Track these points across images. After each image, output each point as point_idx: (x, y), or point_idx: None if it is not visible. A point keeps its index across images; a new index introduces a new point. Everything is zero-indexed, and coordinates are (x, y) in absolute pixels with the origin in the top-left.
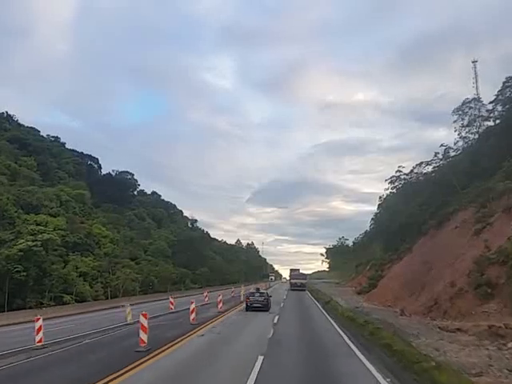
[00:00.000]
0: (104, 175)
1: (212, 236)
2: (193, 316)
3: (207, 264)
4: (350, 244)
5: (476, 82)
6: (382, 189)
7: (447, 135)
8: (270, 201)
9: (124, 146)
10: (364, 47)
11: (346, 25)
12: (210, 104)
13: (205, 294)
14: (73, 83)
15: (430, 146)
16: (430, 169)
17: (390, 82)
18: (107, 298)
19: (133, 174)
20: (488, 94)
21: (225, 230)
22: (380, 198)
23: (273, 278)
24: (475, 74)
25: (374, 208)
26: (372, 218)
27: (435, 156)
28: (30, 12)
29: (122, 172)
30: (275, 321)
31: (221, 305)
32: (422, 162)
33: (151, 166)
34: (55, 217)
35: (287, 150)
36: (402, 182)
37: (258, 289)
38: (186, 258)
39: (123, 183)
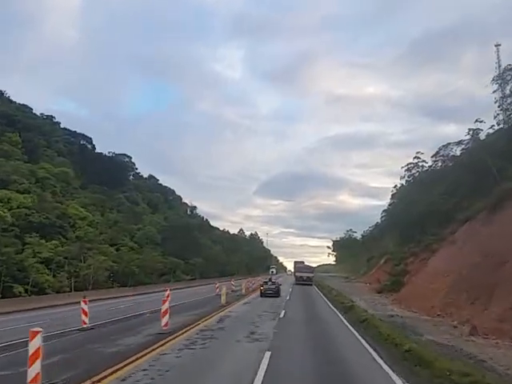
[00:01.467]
0: (96, 155)
1: (218, 227)
2: None
3: (203, 254)
4: (358, 237)
5: (499, 66)
6: (390, 183)
7: (457, 131)
8: (277, 193)
9: (132, 135)
10: (374, 40)
11: (356, 17)
12: (218, 95)
13: (167, 294)
14: (81, 72)
15: (440, 141)
16: (457, 151)
17: (401, 76)
18: (71, 291)
19: (130, 157)
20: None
21: (231, 221)
22: (395, 186)
23: (274, 270)
24: (498, 57)
25: (382, 202)
26: (383, 210)
27: (469, 133)
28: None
29: (118, 154)
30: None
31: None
32: (449, 143)
33: (158, 156)
34: (23, 193)
35: (295, 143)
36: (420, 170)
37: (270, 279)
38: (179, 247)
39: (117, 165)
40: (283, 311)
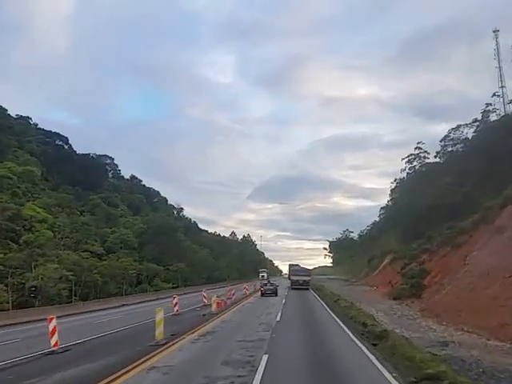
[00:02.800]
0: (70, 155)
1: (207, 230)
2: None
3: (187, 258)
4: (355, 237)
5: (498, 53)
6: (384, 184)
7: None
8: (271, 197)
9: (123, 141)
10: (365, 41)
11: (346, 19)
12: (210, 100)
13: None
14: (72, 80)
15: (431, 141)
16: (469, 134)
17: (392, 77)
18: (14, 308)
19: (112, 159)
20: (488, 85)
21: (226, 226)
22: (395, 180)
23: (265, 275)
24: (497, 44)
25: (376, 203)
26: (382, 208)
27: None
28: (28, 7)
29: (100, 156)
30: None
31: None
32: (459, 125)
33: (151, 163)
34: None
35: (288, 146)
36: (422, 162)
37: (269, 281)
38: (159, 251)
39: (94, 166)
40: (265, 359)
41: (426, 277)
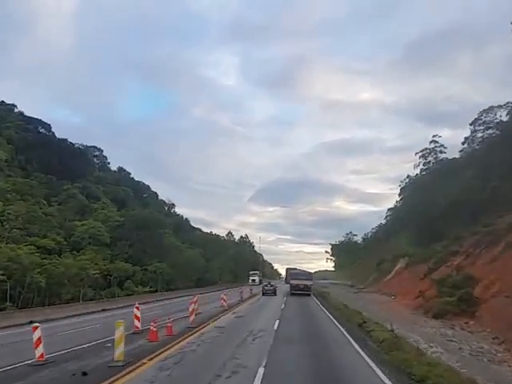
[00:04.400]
0: (48, 142)
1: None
2: None
3: (171, 258)
4: (359, 241)
5: None
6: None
7: (452, 136)
8: (273, 200)
9: (125, 141)
10: (369, 45)
11: (350, 22)
12: (212, 101)
13: None
14: (74, 78)
15: (433, 148)
16: (504, 116)
17: (395, 81)
18: None
19: (101, 150)
20: (492, 93)
21: (227, 228)
22: (407, 177)
23: (256, 278)
24: None
25: (377, 208)
26: (389, 209)
27: None
28: (31, 6)
29: (89, 147)
30: None
31: None
32: (492, 107)
33: (152, 162)
34: None
35: (290, 149)
36: (439, 157)
37: (269, 283)
38: (138, 248)
39: (76, 155)
40: None
41: (474, 286)
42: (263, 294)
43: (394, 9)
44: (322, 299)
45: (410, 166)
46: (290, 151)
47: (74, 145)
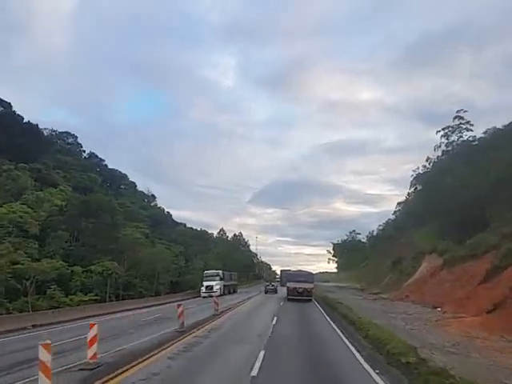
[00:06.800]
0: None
1: (185, 223)
2: None
3: (128, 256)
4: (363, 240)
5: None
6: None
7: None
8: (272, 201)
9: (124, 143)
10: (369, 45)
11: (350, 22)
12: (211, 102)
13: None
14: (72, 79)
15: (434, 147)
16: None
17: (395, 82)
18: None
19: (76, 137)
20: (492, 91)
21: (225, 230)
22: (427, 160)
23: (213, 284)
24: None
25: (377, 210)
26: (399, 203)
27: None
28: (28, 5)
29: (62, 132)
30: None
31: None
32: None
33: (151, 164)
34: None
35: (289, 150)
36: (463, 136)
37: (271, 283)
38: (84, 241)
39: (31, 134)
40: None
41: None
42: (266, 293)
43: (394, 9)
44: (331, 311)
45: (410, 167)
46: (289, 152)
47: (35, 126)
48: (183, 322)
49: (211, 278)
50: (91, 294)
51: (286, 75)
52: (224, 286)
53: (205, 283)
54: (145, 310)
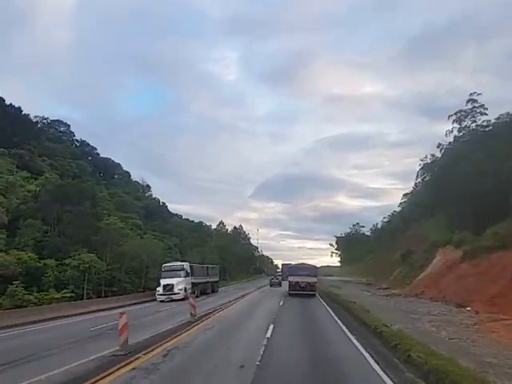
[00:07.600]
0: None
1: (181, 215)
2: None
3: (111, 248)
4: (367, 233)
5: None
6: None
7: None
8: (274, 196)
9: (125, 137)
10: (371, 39)
11: (352, 15)
12: (213, 96)
13: None
14: (74, 74)
15: (437, 141)
16: None
17: (398, 75)
18: None
19: (68, 126)
20: (496, 85)
21: (227, 224)
22: (440, 146)
23: (176, 283)
24: None
25: (379, 204)
26: (404, 194)
27: None
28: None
29: (54, 120)
30: None
31: None
32: None
33: (152, 158)
34: None
35: (291, 144)
36: (479, 120)
37: (275, 276)
38: (58, 232)
39: (15, 119)
40: None
41: None
42: (271, 286)
43: (396, 2)
44: (343, 314)
45: (413, 161)
46: (291, 146)
47: (19, 108)
48: (126, 341)
49: (172, 273)
50: (66, 291)
51: (289, 69)
52: (193, 284)
53: (162, 281)
54: (115, 311)
